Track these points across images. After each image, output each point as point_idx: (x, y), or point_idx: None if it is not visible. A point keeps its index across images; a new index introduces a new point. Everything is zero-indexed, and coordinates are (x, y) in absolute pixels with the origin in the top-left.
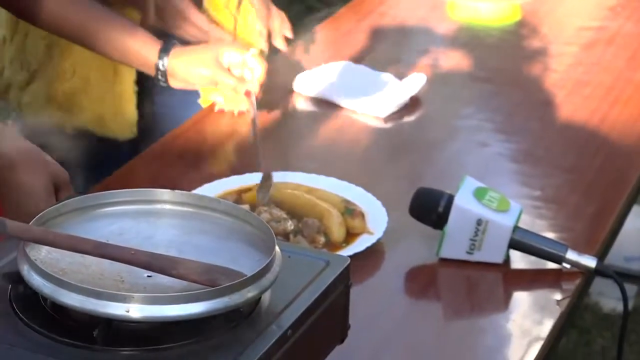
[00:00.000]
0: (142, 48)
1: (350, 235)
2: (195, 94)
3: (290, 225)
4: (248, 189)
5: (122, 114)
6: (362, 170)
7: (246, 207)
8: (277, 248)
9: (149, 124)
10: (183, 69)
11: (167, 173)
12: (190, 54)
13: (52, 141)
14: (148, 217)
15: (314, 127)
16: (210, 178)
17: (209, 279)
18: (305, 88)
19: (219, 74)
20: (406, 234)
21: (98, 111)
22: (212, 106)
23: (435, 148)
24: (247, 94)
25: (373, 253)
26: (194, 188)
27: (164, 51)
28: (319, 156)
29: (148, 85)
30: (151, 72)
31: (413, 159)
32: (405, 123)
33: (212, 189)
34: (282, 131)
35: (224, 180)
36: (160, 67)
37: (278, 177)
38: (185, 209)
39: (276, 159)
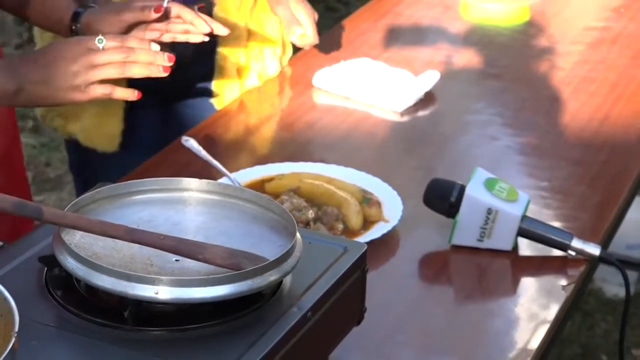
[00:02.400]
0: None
1: (367, 223)
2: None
3: (310, 213)
4: (270, 179)
5: (104, 127)
6: (379, 161)
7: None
8: (298, 234)
9: (136, 139)
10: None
11: (193, 163)
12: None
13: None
14: (176, 205)
15: (333, 121)
16: (234, 168)
17: (234, 263)
18: (325, 83)
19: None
20: (420, 222)
21: (85, 121)
22: (225, 109)
23: (448, 141)
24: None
25: (388, 240)
26: (220, 177)
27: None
28: (338, 148)
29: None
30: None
31: (427, 151)
32: (420, 117)
33: (237, 179)
34: (303, 125)
35: (248, 170)
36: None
37: (299, 167)
38: (211, 197)
39: (297, 150)
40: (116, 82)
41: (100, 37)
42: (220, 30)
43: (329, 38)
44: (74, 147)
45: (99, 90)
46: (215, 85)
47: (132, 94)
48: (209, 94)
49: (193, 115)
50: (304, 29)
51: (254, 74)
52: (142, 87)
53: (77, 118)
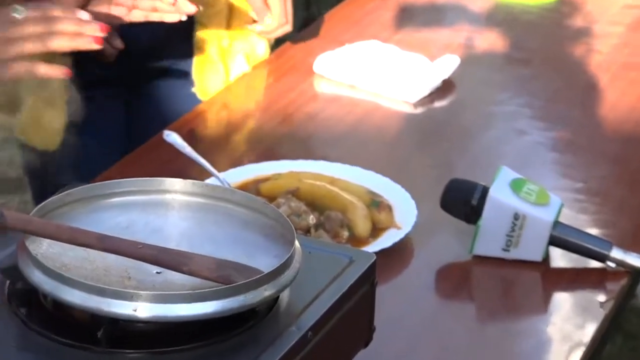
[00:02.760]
0: None
1: (376, 230)
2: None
3: (311, 218)
4: (265, 179)
5: (43, 121)
6: (389, 159)
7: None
8: (296, 243)
9: (94, 134)
10: None
11: (177, 161)
12: None
13: None
14: (157, 209)
15: (337, 113)
16: (223, 166)
17: (223, 276)
18: (328, 70)
19: None
20: (437, 228)
21: (25, 116)
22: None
23: (469, 136)
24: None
25: (401, 249)
26: (207, 177)
27: None
28: (342, 144)
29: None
30: None
31: (445, 147)
32: (436, 108)
33: (227, 179)
34: (302, 117)
35: (239, 169)
36: None
37: (298, 166)
38: (197, 199)
39: (296, 146)
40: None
41: (17, 6)
42: (187, 8)
43: (333, 17)
44: (24, 145)
45: (20, 68)
46: (195, 71)
47: (59, 72)
48: (189, 81)
49: (171, 106)
50: (273, 16)
51: (240, 56)
52: (101, 74)
53: (13, 110)
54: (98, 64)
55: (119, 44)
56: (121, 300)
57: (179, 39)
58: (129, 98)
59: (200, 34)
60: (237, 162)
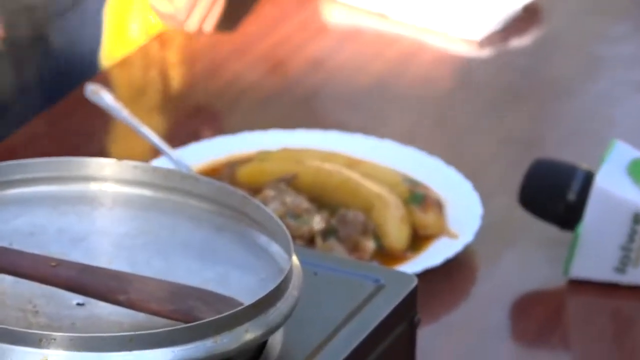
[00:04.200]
0: None
1: (419, 239)
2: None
3: (317, 221)
4: (245, 159)
5: None
6: (438, 129)
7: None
8: (294, 258)
9: None
10: None
11: (108, 133)
12: None
13: None
14: (79, 206)
15: (358, 57)
16: (179, 140)
17: (181, 310)
18: None
19: None
20: (513, 237)
21: None
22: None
23: (563, 92)
24: None
25: (457, 269)
26: (155, 157)
27: None
28: (366, 105)
29: None
30: None
31: (527, 110)
32: (513, 50)
33: (185, 159)
34: (302, 63)
35: (204, 143)
36: None
37: (296, 139)
38: (141, 191)
39: (293, 109)
40: None
41: None
42: None
43: None
44: None
45: None
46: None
47: None
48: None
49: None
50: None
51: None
52: None
53: None
54: None
55: None
56: (24, 346)
57: None
58: None
59: None
60: (200, 134)
